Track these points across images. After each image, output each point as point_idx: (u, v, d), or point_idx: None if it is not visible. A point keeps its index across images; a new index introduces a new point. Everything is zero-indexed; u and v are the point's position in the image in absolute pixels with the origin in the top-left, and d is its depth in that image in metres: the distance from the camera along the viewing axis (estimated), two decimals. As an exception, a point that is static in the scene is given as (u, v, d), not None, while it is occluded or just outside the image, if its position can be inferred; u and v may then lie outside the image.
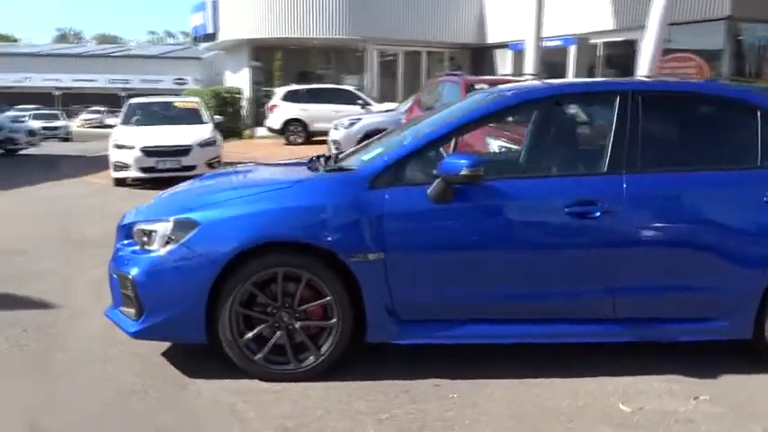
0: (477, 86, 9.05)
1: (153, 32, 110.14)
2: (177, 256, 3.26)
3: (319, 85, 19.98)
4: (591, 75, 17.02)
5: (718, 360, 3.65)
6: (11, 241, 6.64)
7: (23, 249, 6.24)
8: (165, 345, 3.72)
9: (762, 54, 14.95)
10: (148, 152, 10.45)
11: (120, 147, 10.70)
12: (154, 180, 10.38)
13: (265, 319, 3.33)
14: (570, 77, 16.68)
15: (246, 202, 3.34)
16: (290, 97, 18.33)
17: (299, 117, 18.08)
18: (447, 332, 3.41)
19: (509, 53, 19.64)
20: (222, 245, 3.22)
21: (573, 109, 3.87)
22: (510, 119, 3.83)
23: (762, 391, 3.34)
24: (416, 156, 3.41)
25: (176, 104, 12.37)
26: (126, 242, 3.55)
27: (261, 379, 3.36)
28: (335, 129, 13.33)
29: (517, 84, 4.36)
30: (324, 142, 15.41)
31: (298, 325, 3.33)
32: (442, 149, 3.60)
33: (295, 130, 18.16)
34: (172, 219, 3.33)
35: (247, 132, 21.91)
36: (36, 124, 28.01)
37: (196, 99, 13.16)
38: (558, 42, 17.24)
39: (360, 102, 17.89)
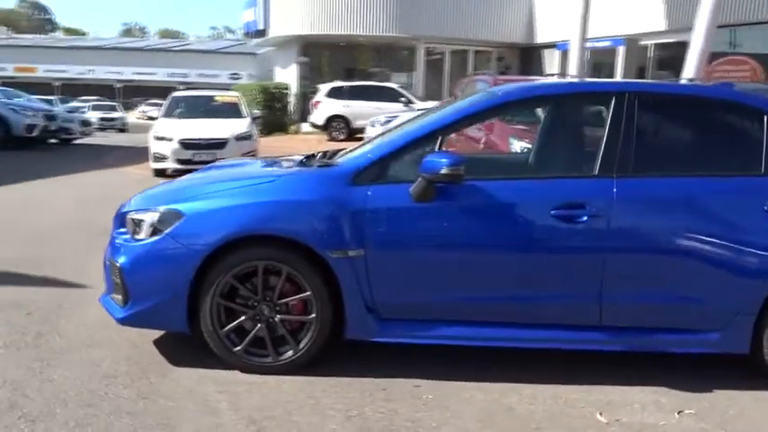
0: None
1: (214, 28, 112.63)
2: (162, 245, 3.32)
3: (362, 82, 20.06)
4: (641, 77, 16.55)
5: (715, 373, 3.52)
6: (38, 227, 6.90)
7: (47, 235, 6.47)
8: (159, 332, 3.80)
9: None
10: (186, 144, 10.69)
11: (159, 138, 10.99)
12: (191, 172, 10.57)
13: (246, 311, 3.36)
14: (617, 79, 16.25)
15: (230, 195, 3.37)
16: (334, 94, 18.47)
17: (341, 113, 18.21)
18: (427, 332, 3.38)
19: (557, 53, 19.29)
20: (204, 236, 3.26)
21: (565, 110, 3.76)
22: (497, 118, 3.73)
23: (753, 408, 3.19)
24: (401, 154, 3.38)
25: (217, 98, 12.62)
26: (120, 231, 3.63)
27: (241, 370, 3.40)
28: (372, 126, 13.35)
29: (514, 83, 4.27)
30: (365, 139, 15.44)
31: (278, 318, 3.36)
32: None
33: (337, 127, 18.30)
34: (158, 209, 3.40)
35: (293, 128, 22.18)
36: (94, 115, 29.07)
37: (236, 94, 13.39)
38: (606, 43, 16.85)
39: (403, 99, 17.88)
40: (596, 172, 3.31)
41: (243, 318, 3.36)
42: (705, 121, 3.51)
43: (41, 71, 47.79)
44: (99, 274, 4.99)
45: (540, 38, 20.92)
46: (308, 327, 3.35)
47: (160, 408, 3.03)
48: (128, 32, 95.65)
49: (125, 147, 18.66)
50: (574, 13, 14.48)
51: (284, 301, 3.35)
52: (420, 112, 5.09)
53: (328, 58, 22.88)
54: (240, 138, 11.03)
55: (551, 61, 20.38)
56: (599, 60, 18.50)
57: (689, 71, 10.47)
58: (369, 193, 3.28)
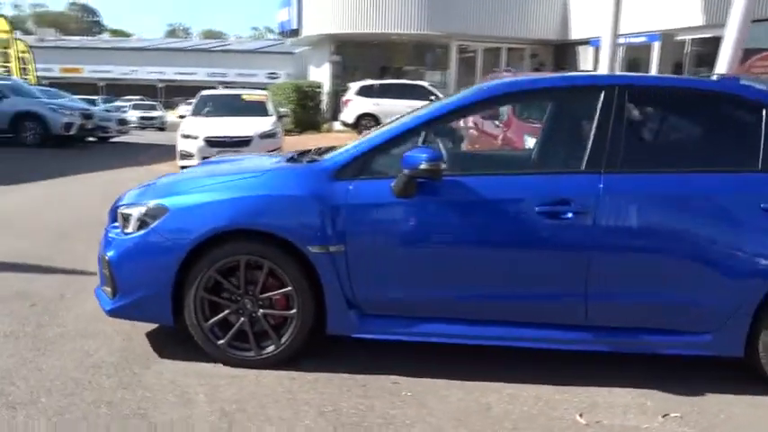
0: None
1: (255, 28, 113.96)
2: (148, 239, 3.36)
3: (393, 80, 20.04)
4: (677, 73, 16.13)
5: (711, 377, 3.42)
6: (59, 222, 7.07)
7: (66, 230, 6.63)
8: (152, 325, 3.86)
9: None
10: (211, 142, 10.83)
11: (185, 136, 11.15)
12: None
13: (229, 305, 3.38)
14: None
15: (213, 190, 3.40)
16: (364, 92, 18.50)
17: (371, 112, 18.21)
18: (408, 329, 3.34)
19: (591, 50, 18.95)
20: (187, 231, 3.29)
21: (553, 104, 3.67)
22: (482, 112, 3.66)
23: (743, 413, 3.07)
24: (383, 149, 3.35)
25: (244, 97, 12.75)
26: (113, 225, 3.70)
27: (224, 363, 3.42)
28: (396, 124, 13.30)
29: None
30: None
31: (260, 313, 3.37)
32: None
33: (368, 125, 18.26)
34: (146, 204, 3.44)
35: (325, 126, 22.30)
36: (135, 114, 29.77)
37: (264, 92, 13.50)
38: (641, 39, 16.47)
39: (433, 97, 17.78)
40: (583, 168, 3.23)
41: (226, 312, 3.38)
42: (699, 115, 3.39)
43: (87, 72, 49.13)
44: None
45: (575, 34, 20.56)
46: (290, 322, 3.35)
47: (138, 398, 3.06)
48: (172, 33, 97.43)
49: (160, 145, 18.99)
50: (608, 7, 14.17)
51: (266, 295, 3.36)
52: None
53: (362, 56, 22.91)
54: (264, 136, 11.12)
55: (586, 58, 20.04)
56: (635, 57, 18.11)
57: (721, 67, 10.14)
58: (350, 188, 3.27)
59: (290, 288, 3.30)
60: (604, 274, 3.19)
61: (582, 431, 2.88)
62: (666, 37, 16.18)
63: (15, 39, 25.16)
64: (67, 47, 52.06)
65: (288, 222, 3.25)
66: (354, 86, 18.91)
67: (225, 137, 10.90)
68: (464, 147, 10.03)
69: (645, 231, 3.17)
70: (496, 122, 8.02)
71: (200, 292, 3.35)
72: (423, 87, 18.69)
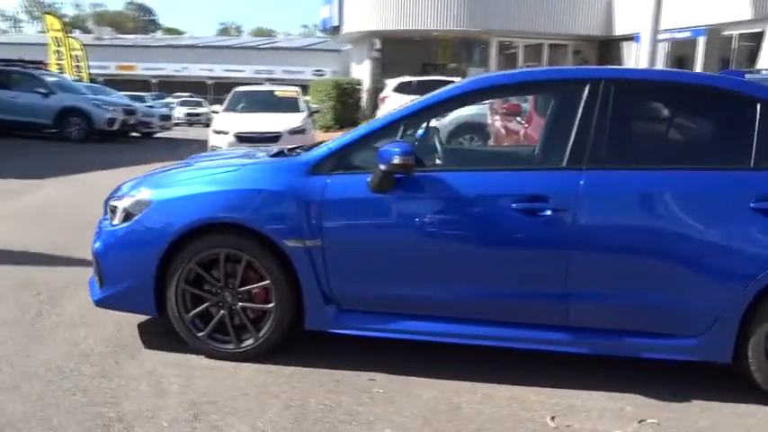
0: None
1: (305, 26, 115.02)
2: (131, 231, 3.42)
3: (429, 77, 19.90)
4: (724, 69, 15.54)
5: (696, 381, 3.28)
6: (82, 214, 7.24)
7: (91, 222, 6.76)
8: (144, 316, 3.92)
9: None
10: (241, 138, 10.97)
11: (217, 132, 11.33)
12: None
13: (209, 297, 3.42)
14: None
15: (195, 183, 3.43)
16: (402, 89, 18.38)
17: (408, 109, 18.10)
18: (385, 325, 3.31)
19: (635, 46, 18.42)
20: (168, 223, 3.34)
21: (535, 99, 3.56)
22: (460, 108, 3.59)
23: (725, 422, 2.94)
24: (361, 144, 3.33)
25: (277, 93, 12.88)
26: (106, 216, 3.77)
27: (206, 355, 3.46)
28: (428, 120, 13.20)
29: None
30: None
31: (239, 306, 3.40)
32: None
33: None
34: (131, 196, 3.51)
35: (364, 122, 22.32)
36: (182, 111, 30.46)
37: (295, 89, 13.60)
38: (686, 34, 15.94)
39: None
40: (564, 163, 3.14)
41: (206, 304, 3.42)
42: (689, 110, 3.25)
43: (140, 69, 50.57)
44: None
45: (619, 29, 20.05)
46: (269, 315, 3.37)
47: (114, 386, 3.12)
48: (224, 31, 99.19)
49: (202, 140, 19.33)
50: (652, 1, 13.73)
51: (245, 288, 3.37)
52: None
53: (402, 53, 22.85)
54: (294, 132, 11.20)
55: (630, 54, 19.50)
56: (681, 53, 17.56)
57: (764, 61, 9.72)
58: (327, 183, 3.26)
59: (268, 282, 3.31)
60: (585, 274, 3.09)
61: (551, 434, 2.81)
62: (712, 32, 15.61)
63: (69, 37, 26.05)
64: (123, 45, 53.62)
65: (264, 216, 3.26)
66: (392, 83, 18.83)
67: (254, 132, 11.02)
68: (490, 144, 9.92)
69: (627, 230, 3.06)
70: (519, 119, 7.88)
71: (182, 284, 3.39)
72: (460, 84, 18.48)
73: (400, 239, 3.22)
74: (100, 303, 3.58)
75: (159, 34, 73.69)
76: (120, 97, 19.28)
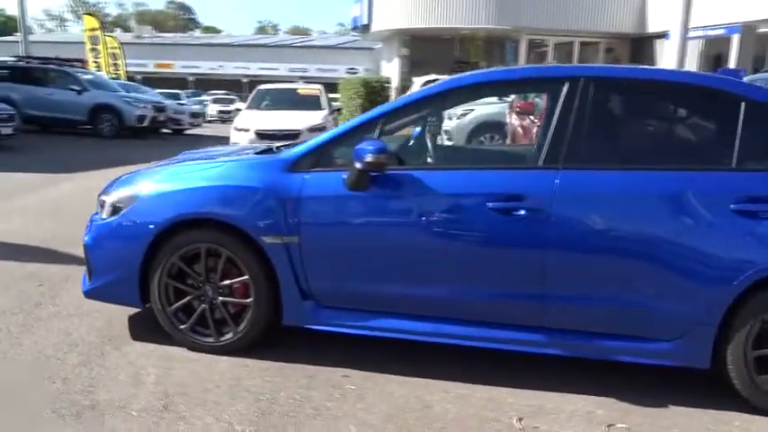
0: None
1: (341, 24, 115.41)
2: (118, 225, 3.50)
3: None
4: (759, 68, 15.11)
5: (676, 386, 3.23)
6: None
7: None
8: (137, 309, 4.01)
9: None
10: (261, 135, 11.08)
11: (238, 129, 11.48)
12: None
13: (191, 291, 3.48)
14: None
15: (179, 179, 3.49)
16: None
17: (434, 107, 18.05)
18: (361, 323, 3.32)
19: (667, 43, 18.02)
20: (152, 218, 3.40)
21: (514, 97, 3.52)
22: (437, 106, 3.56)
23: (699, 429, 2.88)
24: (339, 142, 3.34)
25: (299, 91, 12.98)
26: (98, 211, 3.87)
27: (188, 348, 3.52)
28: (449, 119, 13.17)
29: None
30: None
31: (219, 300, 3.45)
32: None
33: (430, 120, 18.18)
34: (118, 191, 3.59)
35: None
36: (214, 108, 30.89)
37: (318, 86, 13.68)
38: (720, 31, 15.53)
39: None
40: (541, 163, 3.10)
41: (188, 298, 3.48)
42: (671, 109, 3.19)
43: (178, 67, 51.52)
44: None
45: (653, 26, 19.63)
46: (248, 310, 3.41)
47: (94, 375, 3.20)
48: (261, 30, 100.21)
49: (226, 137, 19.61)
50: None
51: (225, 283, 3.42)
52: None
53: (431, 51, 22.77)
54: (313, 129, 11.25)
55: (663, 52, 19.08)
56: (717, 51, 17.13)
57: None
58: (305, 180, 3.28)
59: (247, 277, 3.36)
60: (560, 275, 3.05)
61: (515, 436, 2.79)
62: (747, 29, 15.18)
63: (107, 35, 26.64)
64: (161, 43, 54.65)
65: (242, 212, 3.30)
66: (418, 81, 18.79)
67: (275, 130, 11.13)
68: (507, 142, 9.83)
69: (603, 231, 3.01)
70: (532, 118, 7.80)
71: (165, 277, 3.45)
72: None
73: (375, 237, 3.23)
74: (88, 295, 3.67)
75: (197, 33, 74.86)
76: (153, 95, 19.67)
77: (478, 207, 3.08)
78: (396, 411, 2.95)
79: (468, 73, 3.50)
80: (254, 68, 51.16)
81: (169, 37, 60.29)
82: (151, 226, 3.39)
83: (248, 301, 3.39)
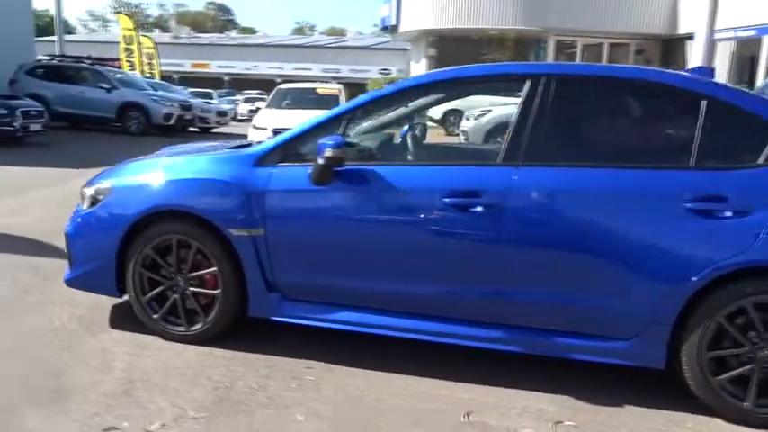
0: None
1: (376, 25, 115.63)
2: (95, 216, 3.62)
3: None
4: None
5: (634, 386, 3.20)
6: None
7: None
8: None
9: None
10: (277, 133, 11.20)
11: (256, 128, 11.61)
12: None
13: (164, 282, 3.58)
14: (761, 73, 14.61)
15: (153, 172, 3.60)
16: (452, 88, 18.32)
17: (459, 107, 18.03)
18: (324, 315, 3.38)
19: (693, 44, 17.65)
20: (126, 209, 3.52)
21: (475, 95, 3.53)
22: (403, 103, 3.58)
23: (648, 429, 2.86)
24: (305, 137, 3.42)
25: (319, 91, 13.06)
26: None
27: (161, 337, 3.63)
28: (467, 119, 13.16)
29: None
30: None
31: (189, 291, 3.54)
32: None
33: (454, 121, 18.15)
34: (98, 183, 3.71)
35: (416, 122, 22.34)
36: (245, 107, 31.27)
37: (338, 86, 13.76)
38: (750, 32, 15.16)
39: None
40: (500, 159, 3.12)
41: (160, 288, 3.58)
42: (631, 107, 3.17)
43: (214, 67, 52.37)
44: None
45: (684, 27, 19.23)
46: (216, 301, 3.49)
47: (65, 361, 3.32)
48: (299, 31, 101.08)
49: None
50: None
51: (195, 274, 3.52)
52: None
53: (460, 52, 22.68)
54: (330, 128, 11.35)
55: (693, 53, 18.68)
56: (749, 53, 16.71)
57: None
58: (272, 174, 3.36)
59: (215, 269, 3.44)
60: (516, 271, 3.07)
61: (460, 429, 2.81)
62: (778, 30, 14.81)
63: (142, 36, 27.27)
64: (198, 44, 55.58)
65: (210, 205, 3.39)
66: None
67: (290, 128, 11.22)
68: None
69: (558, 229, 3.01)
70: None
71: (139, 268, 3.56)
72: (511, 83, 18.21)
73: (336, 231, 3.28)
74: (69, 283, 3.80)
75: (233, 33, 75.89)
76: (180, 93, 20.04)
77: (436, 202, 3.11)
78: (347, 402, 3.00)
79: (430, 72, 3.53)
80: (287, 68, 51.65)
81: (206, 37, 61.24)
82: (125, 217, 3.50)
83: (217, 292, 3.48)
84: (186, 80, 44.88)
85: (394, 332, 3.31)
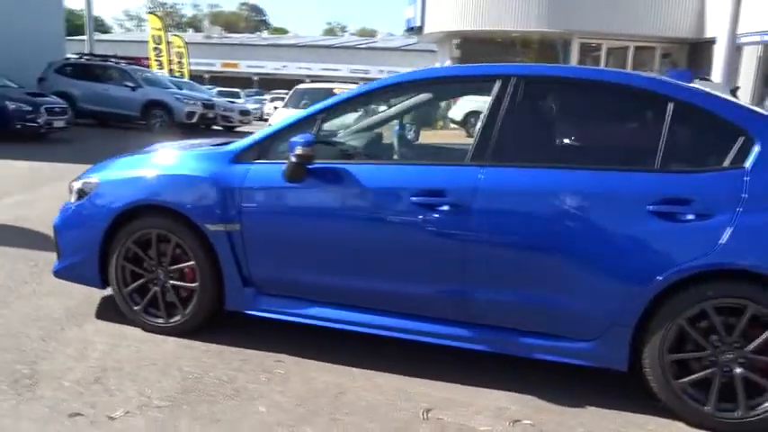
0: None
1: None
2: (81, 209, 3.74)
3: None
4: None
5: (597, 387, 3.20)
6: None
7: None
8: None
9: None
10: (292, 133, 11.32)
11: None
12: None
13: (145, 275, 3.67)
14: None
15: (137, 167, 3.70)
16: (474, 90, 18.29)
17: (480, 110, 17.95)
18: (298, 310, 3.44)
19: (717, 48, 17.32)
20: (110, 203, 3.62)
21: (446, 95, 3.55)
22: (376, 102, 3.62)
23: (606, 430, 2.85)
24: (281, 135, 3.47)
25: (336, 91, 13.17)
26: (72, 197, 4.12)
27: (141, 328, 3.72)
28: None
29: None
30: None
31: (169, 284, 3.63)
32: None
33: (474, 123, 18.09)
34: (85, 177, 3.83)
35: (440, 123, 22.30)
36: (271, 107, 31.56)
37: (355, 86, 13.82)
38: (776, 36, 14.84)
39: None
40: (468, 159, 3.14)
41: (141, 281, 3.67)
42: (599, 109, 3.16)
43: (243, 67, 53.00)
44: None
45: (711, 31, 18.85)
46: (194, 294, 3.57)
47: (47, 349, 3.43)
48: (330, 31, 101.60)
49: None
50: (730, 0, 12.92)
51: (174, 267, 3.60)
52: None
53: (485, 53, 22.58)
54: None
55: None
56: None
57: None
58: (247, 171, 3.43)
59: (193, 263, 3.52)
60: (481, 270, 3.08)
61: (413, 425, 2.84)
62: (806, 33, 14.47)
63: (173, 35, 27.75)
64: (228, 44, 56.29)
65: (188, 200, 3.47)
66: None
67: (305, 128, 11.34)
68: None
69: (522, 228, 3.02)
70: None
71: (121, 260, 3.66)
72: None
73: (307, 228, 3.34)
74: (57, 275, 3.92)
75: (264, 34, 76.62)
76: (204, 92, 20.32)
77: (404, 201, 3.15)
78: (311, 396, 3.05)
79: (403, 73, 3.56)
80: (316, 69, 51.98)
81: (236, 37, 61.98)
82: (109, 211, 3.60)
83: (195, 285, 3.56)
84: (216, 79, 45.47)
85: (363, 328, 3.35)
